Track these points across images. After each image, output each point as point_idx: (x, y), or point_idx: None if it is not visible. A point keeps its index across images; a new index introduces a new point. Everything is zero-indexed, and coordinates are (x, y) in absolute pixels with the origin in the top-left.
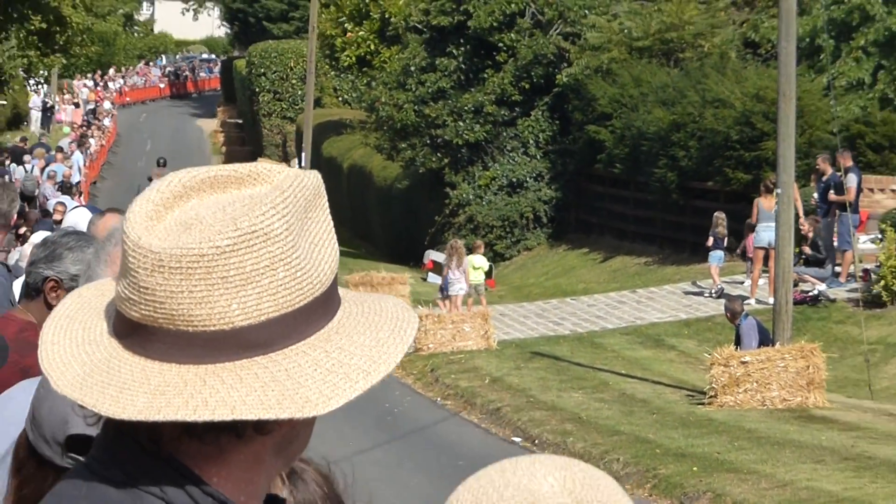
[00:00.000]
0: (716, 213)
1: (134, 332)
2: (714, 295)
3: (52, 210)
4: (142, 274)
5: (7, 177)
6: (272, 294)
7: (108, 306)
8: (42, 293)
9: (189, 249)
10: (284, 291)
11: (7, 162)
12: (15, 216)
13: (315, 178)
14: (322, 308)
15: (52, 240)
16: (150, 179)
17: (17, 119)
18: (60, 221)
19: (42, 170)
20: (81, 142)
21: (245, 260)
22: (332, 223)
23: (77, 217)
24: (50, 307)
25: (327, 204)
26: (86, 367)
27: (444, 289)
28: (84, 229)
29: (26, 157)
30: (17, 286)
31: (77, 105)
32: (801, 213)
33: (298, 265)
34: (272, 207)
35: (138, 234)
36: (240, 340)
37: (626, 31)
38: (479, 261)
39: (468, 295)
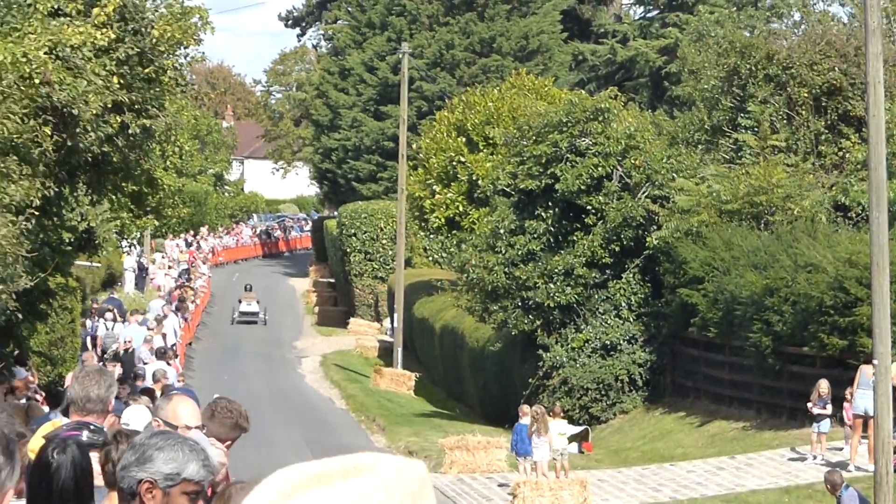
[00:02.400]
0: (819, 381)
1: None
2: (820, 461)
3: (147, 375)
4: None
5: (89, 337)
6: None
7: None
8: (138, 495)
9: None
10: None
11: (93, 322)
12: (113, 401)
13: (420, 469)
14: None
15: (141, 442)
16: (241, 301)
17: (112, 280)
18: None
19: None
20: (178, 305)
21: None
22: None
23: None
24: None
25: (433, 493)
26: None
27: (516, 449)
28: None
29: (108, 315)
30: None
31: (171, 267)
32: None
33: None
34: None
35: None
36: None
37: (714, 194)
38: (564, 427)
39: (553, 460)
